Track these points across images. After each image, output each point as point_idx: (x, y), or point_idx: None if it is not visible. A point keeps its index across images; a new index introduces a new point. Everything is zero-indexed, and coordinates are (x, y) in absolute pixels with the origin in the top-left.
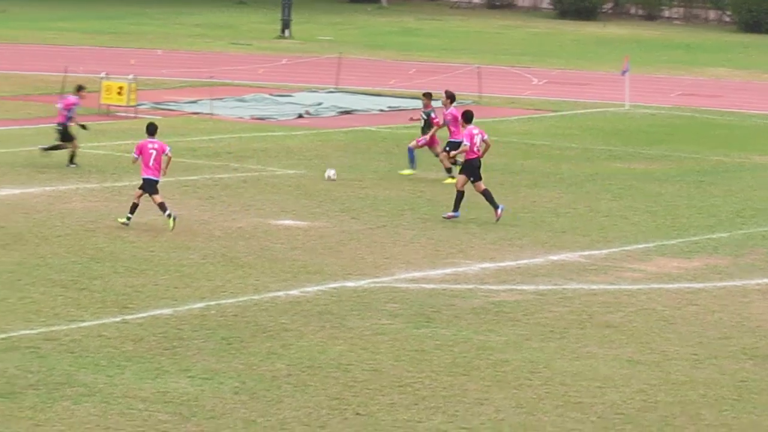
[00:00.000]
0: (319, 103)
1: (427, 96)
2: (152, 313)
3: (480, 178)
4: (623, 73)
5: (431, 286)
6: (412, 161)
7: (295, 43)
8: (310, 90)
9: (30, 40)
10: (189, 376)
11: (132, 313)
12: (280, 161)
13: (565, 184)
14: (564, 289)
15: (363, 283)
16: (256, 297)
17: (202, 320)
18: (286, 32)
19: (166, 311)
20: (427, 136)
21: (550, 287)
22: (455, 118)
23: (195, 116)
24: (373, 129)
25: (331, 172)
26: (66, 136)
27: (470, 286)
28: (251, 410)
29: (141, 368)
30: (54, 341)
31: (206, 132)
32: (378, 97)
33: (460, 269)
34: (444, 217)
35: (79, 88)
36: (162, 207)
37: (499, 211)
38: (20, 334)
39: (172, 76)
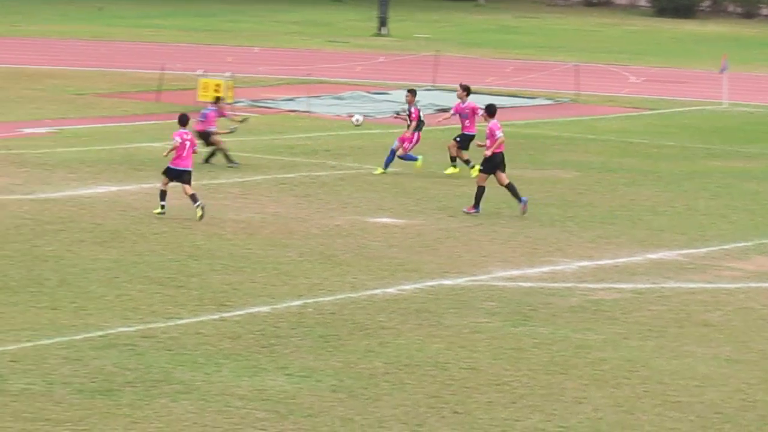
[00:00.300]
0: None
1: (412, 92)
2: (250, 310)
3: (504, 170)
4: (721, 71)
5: (529, 284)
6: (411, 158)
7: (392, 41)
8: (408, 88)
9: (127, 38)
10: (286, 374)
11: (229, 311)
12: (378, 159)
13: (663, 183)
14: (662, 287)
15: (460, 281)
16: (353, 295)
17: (299, 318)
18: (383, 30)
19: (264, 309)
20: (409, 135)
21: (648, 286)
22: (474, 111)
23: (292, 114)
24: None
25: (357, 117)
26: (209, 142)
27: (568, 285)
28: (349, 408)
29: (238, 366)
30: (151, 338)
31: (303, 129)
32: (475, 95)
33: (558, 267)
34: (464, 211)
35: (217, 100)
36: (163, 194)
37: (523, 204)
38: (118, 332)
39: (269, 73)
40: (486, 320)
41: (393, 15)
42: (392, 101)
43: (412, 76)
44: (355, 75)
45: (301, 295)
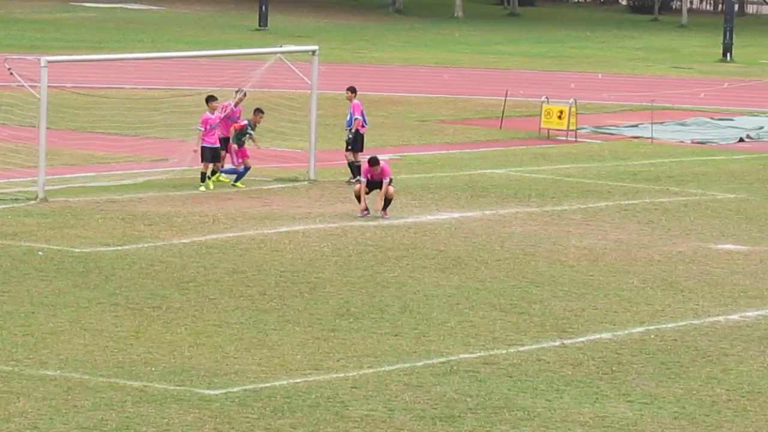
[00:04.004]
0: (761, 127)
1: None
2: (591, 337)
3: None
4: None
5: None
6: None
7: (737, 67)
8: (752, 114)
9: (470, 64)
10: (628, 401)
11: (571, 338)
12: (721, 185)
13: None
14: None
15: None
16: (695, 321)
17: (641, 345)
18: (728, 56)
19: (605, 335)
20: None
21: None
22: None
23: (635, 140)
24: None
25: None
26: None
27: None
28: None
29: (580, 392)
30: (493, 365)
31: (646, 156)
32: None
33: None
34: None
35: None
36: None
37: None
38: (459, 358)
39: (613, 100)
40: None
41: (738, 41)
42: (736, 127)
43: (757, 102)
44: (700, 101)
45: (643, 322)
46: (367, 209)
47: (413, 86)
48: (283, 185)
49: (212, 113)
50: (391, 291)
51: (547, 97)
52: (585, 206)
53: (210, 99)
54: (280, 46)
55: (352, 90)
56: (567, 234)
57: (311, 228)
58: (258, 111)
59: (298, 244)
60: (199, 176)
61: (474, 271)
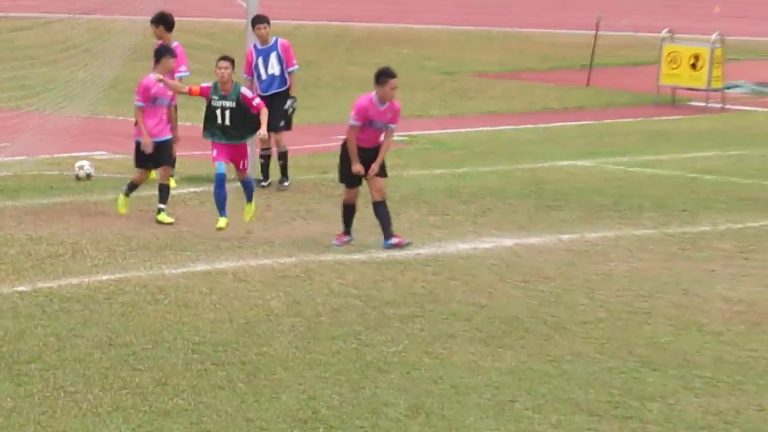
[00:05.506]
0: None
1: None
2: None
3: None
4: None
5: None
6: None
7: None
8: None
9: None
10: None
11: None
12: None
13: None
14: None
15: None
16: None
17: None
18: None
19: None
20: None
21: None
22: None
23: None
24: None
25: (82, 164)
26: None
27: None
28: None
29: None
30: None
31: None
32: None
33: None
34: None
35: None
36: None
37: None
38: None
39: None
40: None
41: None
42: None
43: None
44: None
45: None
46: (349, 234)
47: (430, 13)
48: (198, 189)
49: (159, 76)
50: (392, 378)
51: (671, 31)
52: (741, 226)
53: (163, 52)
54: None
55: (266, 20)
56: (709, 276)
57: (249, 265)
58: (224, 59)
59: (226, 295)
60: (127, 187)
61: (541, 343)
